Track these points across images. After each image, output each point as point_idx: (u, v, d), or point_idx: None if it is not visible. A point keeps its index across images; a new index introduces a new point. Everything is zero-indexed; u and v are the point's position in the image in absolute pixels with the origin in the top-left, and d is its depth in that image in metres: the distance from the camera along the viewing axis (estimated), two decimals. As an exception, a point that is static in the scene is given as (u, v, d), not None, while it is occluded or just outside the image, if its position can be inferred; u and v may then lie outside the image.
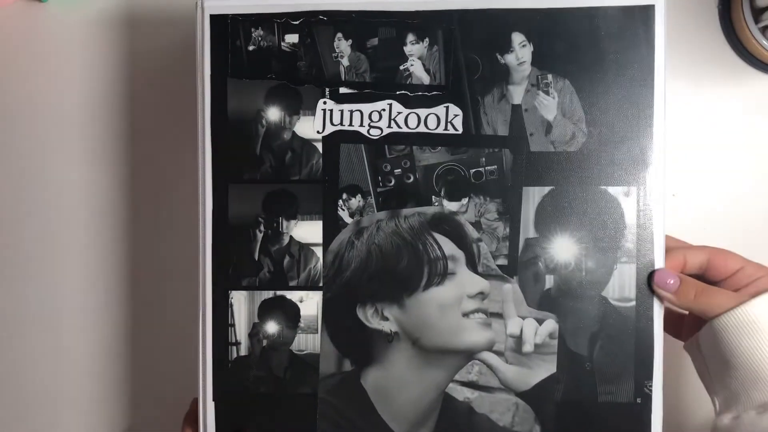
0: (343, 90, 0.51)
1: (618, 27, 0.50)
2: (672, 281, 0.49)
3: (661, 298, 0.50)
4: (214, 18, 0.51)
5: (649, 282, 0.50)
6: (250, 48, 0.52)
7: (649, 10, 0.49)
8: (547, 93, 0.50)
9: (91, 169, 0.63)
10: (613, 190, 0.50)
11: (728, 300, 0.48)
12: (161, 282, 0.63)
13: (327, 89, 0.51)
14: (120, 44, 0.63)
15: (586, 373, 0.51)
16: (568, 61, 0.50)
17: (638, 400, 0.50)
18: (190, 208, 0.53)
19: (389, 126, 0.51)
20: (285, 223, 0.52)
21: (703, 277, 0.51)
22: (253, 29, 0.52)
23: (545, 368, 0.51)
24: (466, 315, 0.50)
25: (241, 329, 0.52)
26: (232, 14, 0.51)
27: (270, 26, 0.51)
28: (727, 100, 0.61)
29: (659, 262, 0.50)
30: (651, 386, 0.50)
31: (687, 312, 0.53)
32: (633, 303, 0.50)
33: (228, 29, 0.51)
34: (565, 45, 0.50)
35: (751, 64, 0.61)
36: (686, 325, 0.54)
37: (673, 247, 0.51)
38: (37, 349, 0.64)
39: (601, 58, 0.50)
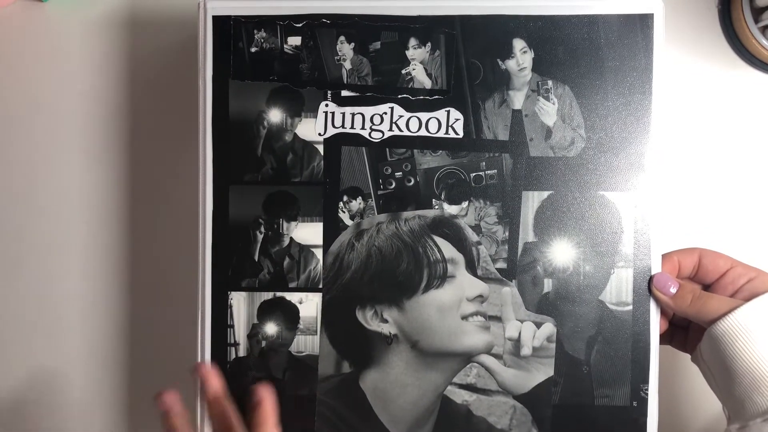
0: (345, 93, 0.52)
1: (618, 35, 0.50)
2: (672, 285, 0.49)
3: (658, 302, 0.50)
4: (216, 19, 0.52)
5: (648, 285, 0.50)
6: (253, 50, 0.52)
7: (648, 18, 0.50)
8: (547, 99, 0.51)
9: (92, 169, 0.63)
10: (611, 195, 0.51)
11: (723, 305, 0.48)
12: (161, 282, 0.62)
13: (329, 92, 0.52)
14: (121, 45, 0.63)
15: (583, 377, 0.51)
16: (569, 67, 0.51)
17: (634, 404, 0.51)
18: (190, 209, 0.53)
19: (390, 129, 0.51)
20: (285, 224, 0.52)
21: (694, 278, 0.51)
22: (255, 31, 0.52)
23: (543, 371, 0.51)
24: (465, 318, 0.51)
25: (240, 330, 0.52)
26: (235, 16, 0.52)
27: (273, 28, 0.52)
28: (727, 99, 0.61)
29: (656, 267, 0.51)
30: (647, 390, 0.51)
31: (684, 318, 0.53)
32: (630, 307, 0.51)
33: (230, 31, 0.52)
34: (566, 52, 0.50)
35: (751, 64, 0.61)
36: (690, 338, 0.53)
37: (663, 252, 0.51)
38: (35, 350, 0.63)
39: (600, 65, 0.50)
